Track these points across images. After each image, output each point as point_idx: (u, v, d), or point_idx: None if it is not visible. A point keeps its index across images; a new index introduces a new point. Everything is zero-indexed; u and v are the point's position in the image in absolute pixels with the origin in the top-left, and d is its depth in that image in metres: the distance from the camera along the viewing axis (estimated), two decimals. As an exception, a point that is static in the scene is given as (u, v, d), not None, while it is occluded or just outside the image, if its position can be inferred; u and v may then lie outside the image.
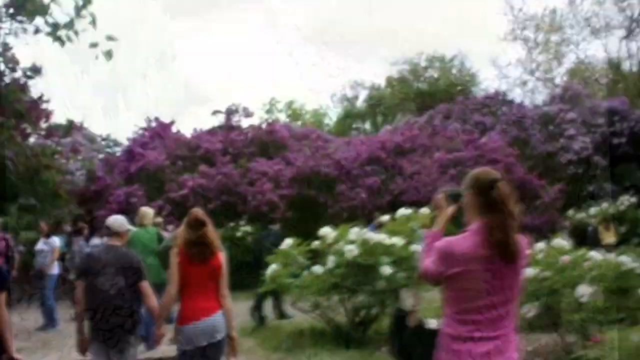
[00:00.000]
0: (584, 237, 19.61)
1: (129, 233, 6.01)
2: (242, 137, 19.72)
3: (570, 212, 23.06)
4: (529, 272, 7.99)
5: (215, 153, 18.42)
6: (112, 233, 5.54)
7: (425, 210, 9.69)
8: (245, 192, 17.28)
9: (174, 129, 20.25)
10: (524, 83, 35.79)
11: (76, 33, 8.24)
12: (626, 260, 7.13)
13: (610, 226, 17.73)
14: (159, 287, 5.97)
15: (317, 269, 8.67)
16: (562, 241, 8.80)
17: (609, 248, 15.20)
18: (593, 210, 23.06)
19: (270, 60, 65.91)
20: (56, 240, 11.89)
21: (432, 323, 3.61)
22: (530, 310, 7.42)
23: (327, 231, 9.14)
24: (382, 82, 41.41)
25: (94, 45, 7.88)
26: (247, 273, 16.88)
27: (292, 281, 8.87)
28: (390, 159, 20.64)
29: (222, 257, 5.14)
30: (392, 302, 9.06)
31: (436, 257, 3.08)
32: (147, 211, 9.94)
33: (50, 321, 11.38)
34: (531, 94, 35.42)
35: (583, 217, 22.44)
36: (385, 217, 9.99)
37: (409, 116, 32.89)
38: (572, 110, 27.52)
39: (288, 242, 9.66)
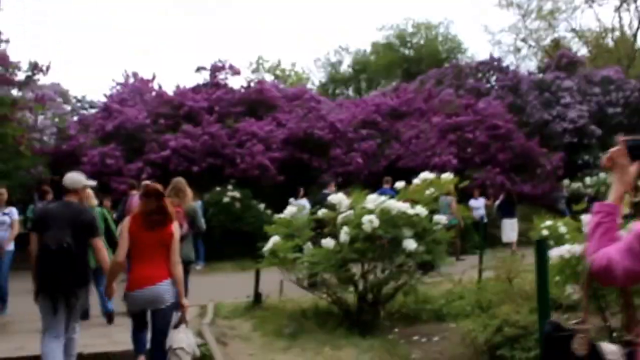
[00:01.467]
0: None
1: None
2: (230, 95, 18.30)
3: (566, 181, 22.34)
4: (572, 249, 7.00)
5: (200, 112, 16.99)
6: (68, 190, 5.51)
7: (447, 176, 8.55)
8: (234, 154, 15.96)
9: (154, 84, 18.69)
10: (518, 50, 34.68)
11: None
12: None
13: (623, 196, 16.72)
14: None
15: (328, 242, 7.45)
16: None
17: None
18: (589, 180, 22.44)
19: (253, 19, 63.80)
20: (15, 211, 9.49)
21: (612, 352, 2.25)
22: (575, 291, 6.38)
23: (339, 198, 7.92)
24: (367, 48, 40.13)
25: None
26: (234, 242, 15.79)
27: (298, 256, 7.58)
28: (386, 123, 19.48)
29: (175, 226, 5.32)
30: (410, 279, 7.97)
31: (633, 248, 1.83)
32: (89, 193, 8.55)
33: (2, 303, 9.30)
34: (523, 61, 34.51)
35: (579, 186, 21.71)
36: (400, 183, 8.72)
37: (395, 82, 31.70)
38: (568, 78, 26.58)
39: (290, 209, 8.44)
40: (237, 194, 15.36)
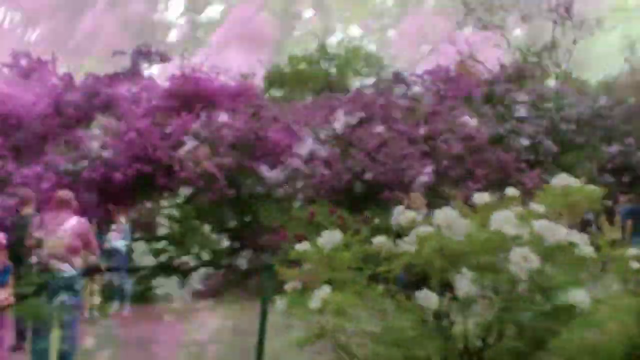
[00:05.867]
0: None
1: None
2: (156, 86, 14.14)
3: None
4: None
5: (122, 101, 12.72)
6: None
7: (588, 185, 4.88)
8: (168, 158, 11.83)
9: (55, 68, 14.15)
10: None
11: None
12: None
13: (614, 220, 14.09)
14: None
15: (429, 297, 3.70)
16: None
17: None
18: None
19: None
20: None
21: None
22: None
23: (448, 215, 3.91)
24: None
25: None
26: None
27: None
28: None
29: None
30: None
31: None
32: None
33: None
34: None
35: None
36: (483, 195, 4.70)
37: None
38: (521, 91, 24.37)
39: (335, 235, 4.28)
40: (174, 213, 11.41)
